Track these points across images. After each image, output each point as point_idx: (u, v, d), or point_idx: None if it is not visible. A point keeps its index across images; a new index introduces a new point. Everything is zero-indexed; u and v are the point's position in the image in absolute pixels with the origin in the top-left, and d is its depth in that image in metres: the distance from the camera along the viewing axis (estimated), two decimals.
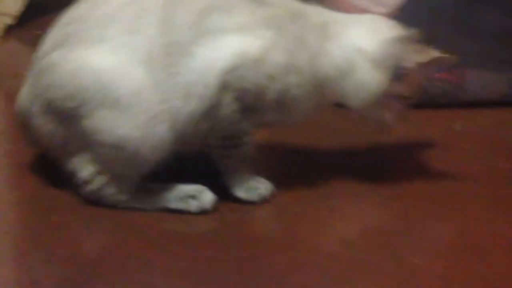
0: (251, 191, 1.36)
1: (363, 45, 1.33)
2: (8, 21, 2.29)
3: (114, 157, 1.28)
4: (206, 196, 1.33)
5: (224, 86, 1.27)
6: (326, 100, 1.38)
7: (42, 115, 1.31)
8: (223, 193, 1.36)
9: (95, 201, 1.32)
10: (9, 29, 2.29)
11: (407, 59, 1.33)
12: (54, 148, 1.33)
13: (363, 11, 1.73)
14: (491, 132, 1.70)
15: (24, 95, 1.35)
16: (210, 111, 1.29)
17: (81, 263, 1.21)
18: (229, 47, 1.28)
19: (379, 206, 1.40)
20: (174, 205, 1.33)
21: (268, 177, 1.39)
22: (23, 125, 1.37)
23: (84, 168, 1.30)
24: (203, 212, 1.33)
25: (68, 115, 1.27)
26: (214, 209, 1.33)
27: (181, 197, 1.33)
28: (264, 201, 1.36)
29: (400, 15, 1.71)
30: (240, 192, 1.36)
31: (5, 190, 1.45)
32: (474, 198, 1.42)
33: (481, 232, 1.31)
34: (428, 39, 1.35)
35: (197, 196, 1.33)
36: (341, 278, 1.19)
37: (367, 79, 1.33)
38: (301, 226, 1.33)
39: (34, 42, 2.27)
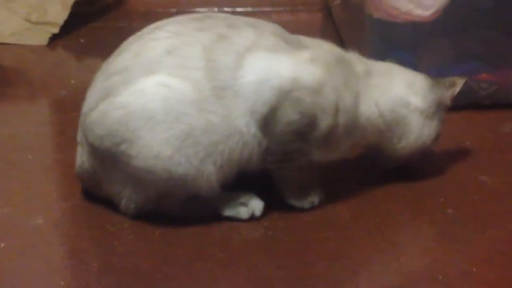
0: (302, 198, 1.37)
1: (407, 98, 1.40)
2: (54, 30, 2.32)
3: (166, 191, 1.30)
4: (255, 203, 1.35)
5: (279, 105, 1.29)
6: (365, 143, 1.44)
7: (88, 157, 1.34)
8: (272, 200, 1.36)
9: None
10: (54, 38, 2.32)
11: (445, 98, 1.44)
12: (96, 180, 1.36)
13: (406, 14, 1.72)
14: None
15: (80, 157, 1.37)
16: (274, 127, 1.31)
17: (136, 273, 1.22)
18: (285, 69, 1.30)
19: (431, 211, 1.39)
20: (224, 212, 1.34)
21: (318, 183, 1.39)
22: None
23: (130, 198, 1.32)
24: (253, 219, 1.34)
25: (117, 157, 1.29)
26: (264, 216, 1.34)
27: (231, 204, 1.34)
28: (313, 207, 1.37)
29: (443, 17, 1.70)
30: (292, 199, 1.37)
31: (57, 200, 1.46)
32: None
33: None
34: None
35: (247, 203, 1.35)
36: (395, 287, 1.19)
37: (417, 130, 1.41)
38: (351, 233, 1.33)
39: (78, 50, 2.33)
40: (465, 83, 1.46)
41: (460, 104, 1.73)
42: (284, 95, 1.30)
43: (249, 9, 2.57)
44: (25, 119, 1.84)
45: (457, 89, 1.45)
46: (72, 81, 2.04)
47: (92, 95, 1.33)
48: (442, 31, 1.72)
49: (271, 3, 2.59)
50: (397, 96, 1.40)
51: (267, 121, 1.31)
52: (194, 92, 1.27)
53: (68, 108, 1.85)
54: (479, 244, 1.30)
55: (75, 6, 2.37)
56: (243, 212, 1.34)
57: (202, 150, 1.28)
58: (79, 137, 1.36)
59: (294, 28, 1.45)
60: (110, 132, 1.28)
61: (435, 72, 1.72)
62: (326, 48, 1.38)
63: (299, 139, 1.32)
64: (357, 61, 1.40)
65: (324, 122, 1.32)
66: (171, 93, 1.27)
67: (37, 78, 2.16)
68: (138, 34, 1.36)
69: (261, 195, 1.36)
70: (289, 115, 1.31)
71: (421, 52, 1.74)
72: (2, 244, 1.30)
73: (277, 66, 1.30)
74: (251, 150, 1.31)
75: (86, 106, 1.34)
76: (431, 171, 1.50)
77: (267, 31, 1.34)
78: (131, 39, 1.35)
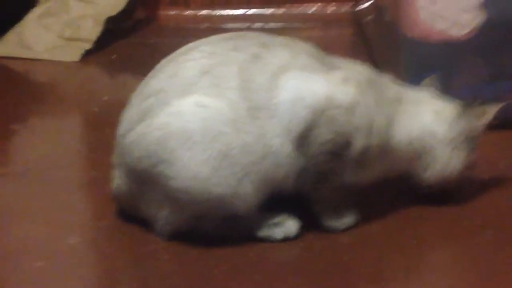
0: (337, 219, 1.36)
1: (434, 127, 1.39)
2: (87, 46, 2.34)
3: (204, 211, 1.30)
4: (291, 224, 1.34)
5: (314, 124, 1.30)
6: (395, 168, 1.41)
7: (125, 179, 1.35)
8: (308, 220, 1.36)
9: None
10: (87, 54, 2.34)
11: (475, 127, 1.41)
12: (133, 201, 1.36)
13: (441, 33, 1.71)
14: None
15: (117, 179, 1.38)
16: (309, 147, 1.31)
17: None
18: (319, 88, 1.31)
19: (469, 233, 1.38)
20: (260, 232, 1.34)
21: (353, 204, 1.39)
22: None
23: (167, 219, 1.32)
24: (288, 240, 1.33)
25: (154, 178, 1.29)
26: (299, 236, 1.34)
27: (266, 224, 1.34)
28: (349, 228, 1.36)
29: (478, 36, 1.69)
30: (327, 221, 1.36)
31: (92, 219, 1.47)
32: None
33: None
34: None
35: (282, 223, 1.34)
36: None
37: (444, 160, 1.39)
38: (388, 255, 1.32)
39: (111, 66, 2.35)
40: (500, 109, 1.43)
41: (495, 124, 1.72)
42: (319, 114, 1.30)
43: (280, 25, 2.57)
44: (58, 136, 1.85)
45: (489, 117, 1.41)
46: (105, 98, 2.05)
47: (128, 116, 1.34)
48: (477, 49, 1.71)
49: (302, 19, 2.59)
50: (424, 124, 1.39)
51: (302, 141, 1.30)
52: (230, 111, 1.27)
53: (101, 124, 1.85)
54: None
55: (107, 22, 2.39)
56: (277, 232, 1.34)
57: (239, 170, 1.28)
58: (116, 159, 1.37)
59: (325, 44, 1.45)
60: (148, 153, 1.28)
61: (469, 91, 1.72)
62: (359, 69, 1.38)
63: (333, 159, 1.32)
64: (390, 85, 1.40)
65: (358, 142, 1.32)
66: (208, 113, 1.27)
67: (69, 95, 2.17)
68: (172, 55, 1.36)
69: (297, 216, 1.35)
70: (324, 134, 1.30)
71: (455, 71, 1.72)
72: (39, 263, 1.31)
73: (311, 85, 1.31)
74: (287, 170, 1.31)
75: (122, 127, 1.34)
76: (467, 193, 1.48)
77: (301, 51, 1.35)
78: (164, 61, 1.36)
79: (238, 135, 1.27)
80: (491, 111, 1.41)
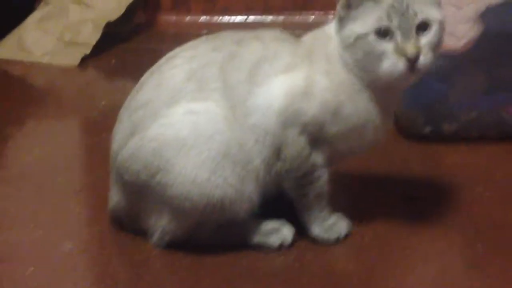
0: (328, 230, 1.36)
1: None
2: (86, 50, 2.35)
3: (204, 218, 1.30)
4: (286, 231, 1.35)
5: (285, 125, 1.30)
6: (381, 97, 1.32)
7: (123, 194, 1.35)
8: (300, 231, 1.36)
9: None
10: (85, 58, 2.34)
11: None
12: (132, 215, 1.36)
13: None
14: None
15: (114, 197, 1.38)
16: (282, 153, 1.31)
17: None
18: (280, 88, 1.31)
19: (461, 245, 1.38)
20: (255, 239, 1.34)
21: (344, 214, 1.39)
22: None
23: (165, 229, 1.32)
24: (283, 247, 1.34)
25: (154, 188, 1.29)
26: (291, 246, 1.34)
27: (262, 231, 1.34)
28: (341, 239, 1.36)
29: (475, 48, 1.69)
30: (317, 231, 1.36)
31: (86, 224, 1.47)
32: None
33: None
34: None
35: (277, 230, 1.34)
36: None
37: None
38: (379, 266, 1.32)
39: (109, 71, 2.35)
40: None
41: (492, 136, 1.73)
42: (285, 112, 1.30)
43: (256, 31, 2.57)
44: (55, 140, 1.85)
45: None
46: (103, 102, 2.05)
47: (119, 132, 1.34)
48: (474, 61, 1.71)
49: (302, 27, 2.58)
50: None
51: (279, 147, 1.31)
52: (220, 111, 1.29)
53: (98, 129, 1.86)
54: (509, 280, 1.28)
55: (106, 27, 2.39)
56: (273, 239, 1.34)
57: (240, 168, 1.29)
58: (112, 177, 1.37)
59: None
60: (145, 165, 1.28)
61: (467, 102, 1.72)
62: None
63: (314, 149, 1.31)
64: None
65: (330, 113, 1.29)
66: (198, 117, 1.28)
67: (67, 99, 2.18)
68: (154, 66, 1.37)
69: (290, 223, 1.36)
70: (294, 130, 1.30)
71: (453, 82, 1.72)
72: (31, 269, 1.31)
73: (274, 87, 1.30)
74: (272, 173, 1.32)
75: (115, 144, 1.34)
76: (461, 204, 1.48)
77: (271, 39, 1.35)
78: (148, 73, 1.37)
79: (233, 133, 1.28)
80: None
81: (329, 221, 1.37)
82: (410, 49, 1.23)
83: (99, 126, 1.88)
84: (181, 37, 2.52)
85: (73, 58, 2.33)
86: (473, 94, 1.73)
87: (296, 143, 1.31)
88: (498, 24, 1.67)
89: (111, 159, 1.36)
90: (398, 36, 1.24)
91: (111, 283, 1.28)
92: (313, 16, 2.62)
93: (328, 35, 1.33)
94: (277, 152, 1.31)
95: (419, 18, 1.25)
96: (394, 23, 1.24)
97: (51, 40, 2.38)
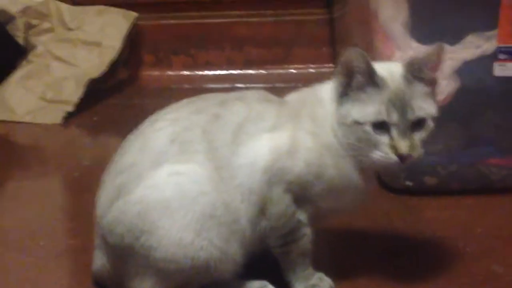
0: (309, 286, 1.36)
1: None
2: (68, 108, 2.35)
3: (189, 279, 1.30)
4: None
5: (270, 183, 1.31)
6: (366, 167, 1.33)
7: (108, 258, 1.35)
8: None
9: None
10: (69, 116, 2.35)
11: None
12: (117, 278, 1.35)
13: None
14: None
15: (98, 261, 1.38)
16: (267, 211, 1.31)
17: None
18: (265, 146, 1.32)
19: None
20: None
21: (326, 271, 1.38)
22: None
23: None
24: None
25: (138, 251, 1.29)
26: None
27: None
28: None
29: (453, 102, 1.70)
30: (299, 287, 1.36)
31: None
32: None
33: None
34: None
35: None
36: None
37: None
38: None
39: (92, 128, 2.35)
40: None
41: (473, 189, 1.74)
42: (270, 171, 1.31)
43: (261, 85, 2.59)
44: (37, 201, 1.85)
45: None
46: (86, 163, 2.05)
47: (104, 196, 1.34)
48: (452, 116, 1.72)
49: (284, 79, 2.62)
50: None
51: (262, 205, 1.31)
52: (204, 172, 1.29)
53: (80, 190, 1.87)
54: None
55: (89, 83, 2.40)
56: None
57: (225, 229, 1.29)
58: (97, 241, 1.37)
59: None
60: (130, 228, 1.28)
61: (447, 156, 1.73)
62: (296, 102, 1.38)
63: (299, 207, 1.32)
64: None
65: (314, 174, 1.30)
66: (183, 178, 1.28)
67: (50, 158, 2.17)
68: (139, 129, 1.37)
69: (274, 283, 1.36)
70: (279, 188, 1.31)
71: (432, 137, 1.74)
72: None
73: (259, 147, 1.31)
74: (256, 232, 1.32)
75: (100, 208, 1.34)
76: (441, 258, 1.48)
77: (253, 101, 1.36)
78: (132, 136, 1.37)
79: (219, 194, 1.28)
80: None
81: (312, 281, 1.37)
82: (404, 147, 1.26)
83: (81, 187, 1.89)
84: (164, 91, 2.57)
85: (55, 116, 2.34)
86: (452, 148, 1.74)
87: (281, 201, 1.31)
88: (474, 79, 1.70)
89: (96, 223, 1.35)
90: (394, 132, 1.26)
91: None
92: (293, 70, 2.64)
93: (319, 98, 1.34)
94: (262, 210, 1.32)
95: (416, 115, 1.27)
96: (392, 119, 1.26)
97: (33, 99, 2.38)
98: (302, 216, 1.33)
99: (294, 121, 1.33)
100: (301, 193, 1.32)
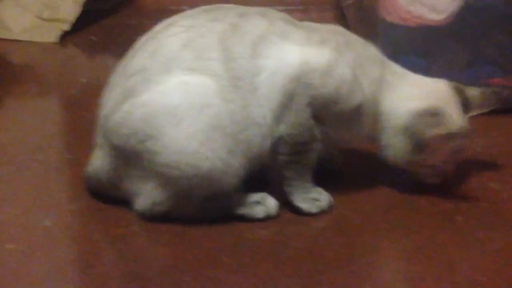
0: (310, 202, 1.37)
1: (398, 110, 1.38)
2: (65, 27, 2.32)
3: (189, 189, 1.29)
4: (271, 202, 1.35)
5: (293, 93, 1.31)
6: (361, 136, 1.41)
7: (109, 158, 1.34)
8: (282, 205, 1.36)
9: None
10: (66, 35, 2.32)
11: (429, 131, 1.35)
12: (114, 180, 1.35)
13: (419, 17, 1.71)
14: None
15: (97, 159, 1.37)
16: (285, 117, 1.31)
17: (143, 278, 1.22)
18: (294, 57, 1.31)
19: (440, 220, 1.38)
20: (240, 211, 1.34)
21: (327, 188, 1.39)
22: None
23: (149, 195, 1.31)
24: (268, 218, 1.34)
25: (142, 154, 1.29)
26: (273, 220, 1.34)
27: (247, 203, 1.34)
28: (322, 212, 1.37)
29: (456, 22, 1.69)
30: (300, 202, 1.36)
31: (66, 201, 1.46)
32: None
33: None
34: None
35: (262, 202, 1.35)
36: None
37: (391, 142, 1.38)
38: (361, 240, 1.32)
39: (90, 47, 2.33)
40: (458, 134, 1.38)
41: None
42: (296, 82, 1.31)
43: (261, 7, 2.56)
44: (34, 118, 1.83)
45: (444, 130, 1.36)
46: (83, 80, 2.04)
47: (111, 97, 1.33)
48: (455, 35, 1.71)
49: (282, 2, 2.58)
50: (390, 104, 1.38)
51: (282, 110, 1.31)
52: (214, 83, 1.28)
53: (78, 107, 1.86)
54: (488, 252, 1.29)
55: (87, 3, 2.37)
56: (258, 211, 1.35)
57: (230, 141, 1.28)
58: (99, 139, 1.36)
59: None
60: (135, 131, 1.28)
61: (448, 76, 1.72)
62: (336, 30, 1.40)
63: (314, 125, 1.33)
64: (368, 45, 1.41)
65: (340, 101, 1.33)
66: (192, 87, 1.28)
67: (47, 76, 2.15)
68: (152, 32, 1.35)
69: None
70: (301, 100, 1.31)
71: (434, 56, 1.72)
72: (11, 246, 1.30)
73: (287, 54, 1.31)
74: (267, 141, 1.32)
75: (106, 108, 1.33)
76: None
77: (277, 18, 1.35)
78: (144, 38, 1.35)
79: (226, 105, 1.28)
80: (449, 128, 1.37)
81: (311, 194, 1.37)
82: None
83: (79, 104, 1.88)
84: (163, 12, 2.48)
85: (52, 35, 2.30)
86: (455, 68, 1.73)
87: (302, 112, 1.32)
88: None
89: (100, 123, 1.34)
90: None
91: (92, 260, 1.28)
92: None
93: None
94: (279, 117, 1.31)
95: None
96: None
97: (30, 17, 2.34)
98: (317, 131, 1.34)
99: (334, 51, 1.33)
100: (319, 112, 1.32)
